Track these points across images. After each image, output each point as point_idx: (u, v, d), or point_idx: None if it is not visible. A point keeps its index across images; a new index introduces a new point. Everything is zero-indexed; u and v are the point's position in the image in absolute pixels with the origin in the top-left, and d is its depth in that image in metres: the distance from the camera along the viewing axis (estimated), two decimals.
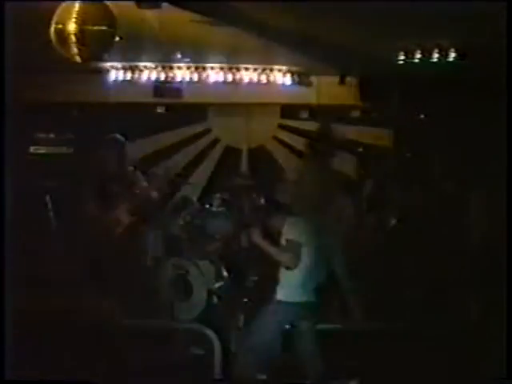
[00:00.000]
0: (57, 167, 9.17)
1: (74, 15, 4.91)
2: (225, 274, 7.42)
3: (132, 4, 5.41)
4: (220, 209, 7.97)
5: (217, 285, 7.15)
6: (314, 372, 5.03)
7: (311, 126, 9.74)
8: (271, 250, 5.09)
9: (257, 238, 5.18)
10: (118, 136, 7.24)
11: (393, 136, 9.56)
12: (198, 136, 9.89)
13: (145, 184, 7.24)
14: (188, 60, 8.75)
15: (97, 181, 7.10)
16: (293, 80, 9.29)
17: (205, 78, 9.11)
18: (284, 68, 9.18)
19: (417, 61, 7.16)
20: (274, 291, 5.06)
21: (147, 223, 7.72)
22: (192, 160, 9.72)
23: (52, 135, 9.46)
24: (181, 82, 9.25)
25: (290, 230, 5.03)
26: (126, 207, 7.07)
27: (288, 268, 4.98)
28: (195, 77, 9.10)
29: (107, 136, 7.25)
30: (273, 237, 5.28)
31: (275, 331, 4.99)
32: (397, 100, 9.07)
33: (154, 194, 7.29)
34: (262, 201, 7.50)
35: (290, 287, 5.00)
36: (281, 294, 5.01)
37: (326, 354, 5.37)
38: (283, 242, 5.03)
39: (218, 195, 8.16)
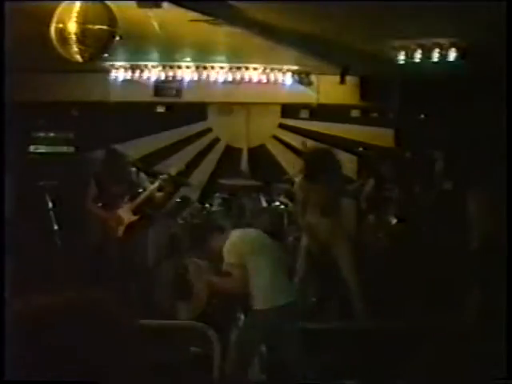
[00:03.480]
0: (57, 167, 9.16)
1: (75, 15, 4.91)
2: None
3: (132, 4, 5.41)
4: (220, 208, 7.97)
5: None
6: (301, 372, 5.04)
7: (311, 125, 9.78)
8: (220, 281, 5.24)
9: (207, 275, 5.46)
10: (118, 148, 7.28)
11: (393, 136, 9.56)
12: (198, 135, 9.88)
13: (148, 184, 7.25)
14: (188, 60, 8.75)
15: (99, 182, 7.12)
16: (293, 79, 9.28)
17: (205, 78, 9.11)
18: (284, 67, 9.18)
19: (417, 61, 7.15)
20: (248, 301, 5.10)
21: (149, 222, 7.73)
22: (192, 160, 9.71)
23: (52, 135, 9.46)
24: (181, 81, 9.25)
25: (230, 253, 5.01)
26: (129, 207, 7.09)
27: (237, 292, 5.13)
28: (195, 76, 9.09)
29: (108, 149, 7.29)
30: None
31: (258, 340, 5.03)
32: (397, 100, 9.06)
33: (159, 194, 7.30)
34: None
35: (261, 295, 5.01)
36: (255, 304, 5.03)
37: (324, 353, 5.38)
38: (226, 266, 5.03)
39: (217, 195, 8.17)
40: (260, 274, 5.00)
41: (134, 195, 7.16)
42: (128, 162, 7.28)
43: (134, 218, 7.12)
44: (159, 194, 7.33)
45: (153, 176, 7.57)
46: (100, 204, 7.12)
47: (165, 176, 7.36)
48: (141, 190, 7.21)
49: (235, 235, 5.16)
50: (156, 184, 7.26)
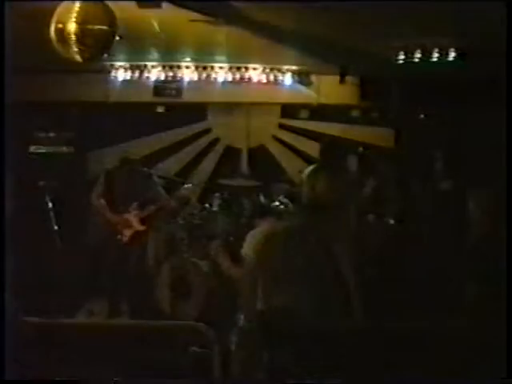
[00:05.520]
0: (57, 167, 9.17)
1: (75, 15, 4.91)
2: None
3: (132, 4, 5.41)
4: (220, 209, 7.97)
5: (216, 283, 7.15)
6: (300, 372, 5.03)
7: (311, 125, 9.79)
8: (228, 266, 5.20)
9: (219, 256, 5.19)
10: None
11: (393, 136, 9.56)
12: (198, 135, 9.89)
13: (161, 192, 7.06)
14: (188, 60, 8.75)
15: (109, 180, 6.96)
16: (293, 79, 9.29)
17: (205, 78, 9.11)
18: (284, 67, 9.18)
19: (417, 61, 7.16)
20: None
21: (157, 233, 7.65)
22: (192, 160, 9.72)
23: (52, 135, 9.46)
24: (181, 81, 9.25)
25: (249, 244, 4.99)
26: (138, 214, 6.91)
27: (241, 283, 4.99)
28: (195, 76, 9.10)
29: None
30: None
31: (260, 340, 5.00)
32: (397, 100, 9.07)
33: (173, 205, 7.16)
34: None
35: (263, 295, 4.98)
36: (259, 304, 4.99)
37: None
38: (243, 253, 5.02)
39: (217, 195, 8.17)
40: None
41: (143, 202, 6.95)
42: (144, 168, 7.09)
43: (143, 227, 6.94)
44: (173, 205, 7.14)
45: (166, 182, 7.44)
46: (105, 202, 6.92)
47: (187, 187, 7.18)
48: (152, 198, 6.99)
49: (266, 229, 5.10)
50: (173, 194, 7.09)
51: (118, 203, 6.92)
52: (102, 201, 6.91)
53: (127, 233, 6.87)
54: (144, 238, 7.15)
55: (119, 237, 6.83)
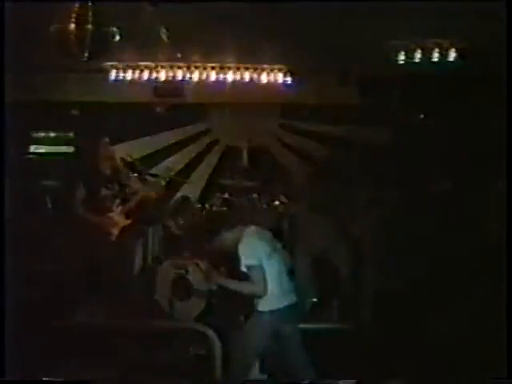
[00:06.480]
0: (57, 167, 9.17)
1: (74, 15, 4.92)
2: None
3: (132, 4, 5.42)
4: (220, 209, 7.97)
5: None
6: (305, 372, 5.03)
7: (311, 125, 9.79)
8: (236, 285, 4.99)
9: (218, 279, 5.13)
10: (109, 140, 7.11)
11: (392, 135, 9.55)
12: (197, 136, 9.90)
13: (139, 186, 7.09)
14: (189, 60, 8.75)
15: (91, 183, 6.94)
16: (293, 80, 9.28)
17: (205, 78, 9.10)
18: (284, 67, 9.17)
19: (417, 61, 7.16)
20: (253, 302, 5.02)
21: (144, 224, 7.64)
22: (192, 160, 9.73)
23: (52, 135, 9.46)
24: (181, 81, 9.25)
25: (249, 254, 4.87)
26: (121, 210, 6.91)
27: (259, 297, 4.88)
28: (195, 76, 9.09)
29: (101, 140, 7.12)
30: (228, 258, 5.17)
31: (261, 341, 4.99)
32: (396, 100, 9.06)
33: (152, 195, 7.18)
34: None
35: (267, 297, 4.95)
36: (261, 305, 4.97)
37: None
38: (243, 268, 4.88)
39: (217, 195, 8.17)
40: (269, 276, 4.95)
41: (125, 198, 6.94)
42: (118, 163, 7.09)
43: (128, 221, 6.94)
44: (152, 196, 7.15)
45: (145, 176, 7.46)
46: (89, 207, 6.87)
47: (156, 178, 7.22)
48: (132, 192, 6.99)
49: (251, 234, 5.02)
50: (148, 187, 7.11)
51: (101, 204, 6.89)
52: (86, 206, 6.84)
53: (115, 231, 6.88)
54: (132, 231, 7.16)
55: (108, 237, 6.85)
